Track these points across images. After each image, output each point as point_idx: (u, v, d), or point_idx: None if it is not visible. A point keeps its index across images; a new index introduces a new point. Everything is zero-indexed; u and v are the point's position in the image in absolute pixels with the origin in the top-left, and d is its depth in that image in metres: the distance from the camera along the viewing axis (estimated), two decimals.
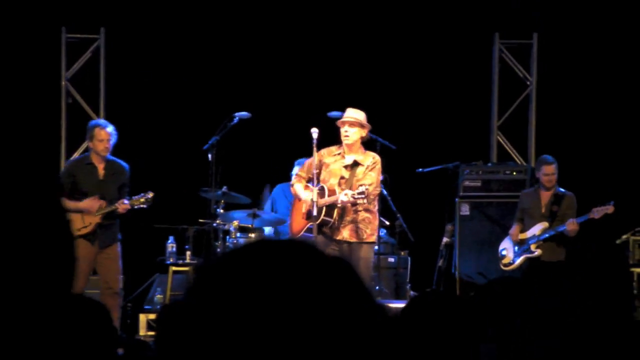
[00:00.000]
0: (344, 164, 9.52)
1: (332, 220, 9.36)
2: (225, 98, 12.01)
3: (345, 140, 9.50)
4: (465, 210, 11.88)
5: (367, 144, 9.81)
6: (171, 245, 11.18)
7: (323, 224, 9.42)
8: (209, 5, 12.75)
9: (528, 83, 13.27)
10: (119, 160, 10.28)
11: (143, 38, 12.81)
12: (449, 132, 12.99)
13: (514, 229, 10.85)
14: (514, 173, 11.84)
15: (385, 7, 12.82)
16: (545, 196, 10.80)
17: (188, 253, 11.14)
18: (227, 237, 10.71)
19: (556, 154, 12.20)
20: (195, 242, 11.25)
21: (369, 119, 10.72)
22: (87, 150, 10.41)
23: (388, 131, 10.95)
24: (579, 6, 12.78)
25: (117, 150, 12.66)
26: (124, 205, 9.95)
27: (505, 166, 12.09)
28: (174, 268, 11.02)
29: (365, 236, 9.44)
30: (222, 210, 10.83)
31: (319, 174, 9.55)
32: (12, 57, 12.44)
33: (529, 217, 10.83)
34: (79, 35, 12.89)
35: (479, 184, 11.95)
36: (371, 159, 9.59)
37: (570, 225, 10.39)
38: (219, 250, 10.56)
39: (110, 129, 10.08)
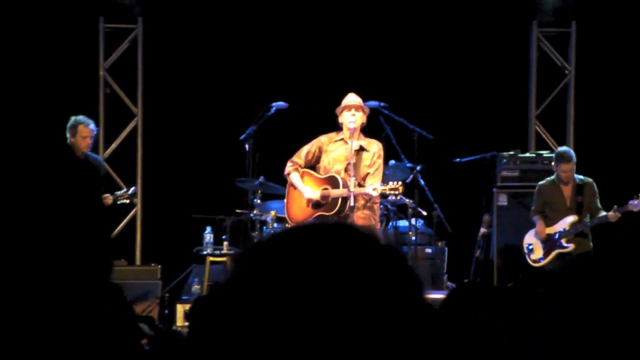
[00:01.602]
0: (350, 149, 9.48)
1: (346, 209, 9.39)
2: (263, 88, 12.02)
3: (351, 125, 9.48)
4: (502, 200, 11.81)
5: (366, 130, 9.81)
6: (209, 236, 11.19)
7: (337, 213, 9.45)
8: None
9: (566, 72, 13.18)
10: (94, 155, 10.47)
11: (180, 27, 12.85)
12: (487, 121, 12.94)
13: (540, 225, 10.71)
14: (552, 163, 11.73)
15: None
16: (567, 188, 10.70)
17: (225, 243, 11.16)
18: (264, 227, 10.71)
19: (594, 143, 12.15)
20: (233, 233, 11.27)
21: (407, 109, 10.77)
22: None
23: (425, 121, 10.93)
24: None
25: (155, 140, 12.77)
26: (108, 199, 10.10)
27: (543, 156, 11.99)
28: (211, 258, 11.05)
29: (374, 222, 9.51)
30: (259, 201, 10.83)
31: (356, 163, 9.53)
32: (51, 47, 12.52)
33: (553, 211, 10.71)
34: (116, 25, 12.95)
35: (516, 174, 11.87)
36: (376, 145, 9.64)
37: (613, 217, 10.29)
38: (255, 239, 10.57)
39: (92, 125, 10.31)
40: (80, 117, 10.41)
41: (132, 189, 10.53)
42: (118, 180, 12.44)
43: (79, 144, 10.15)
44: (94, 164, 10.38)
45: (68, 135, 10.28)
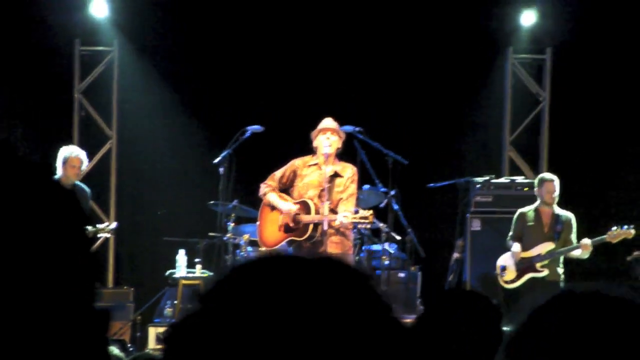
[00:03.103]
0: (324, 175, 9.49)
1: (317, 235, 9.39)
2: (238, 111, 12.03)
3: (326, 150, 9.49)
4: (476, 225, 11.82)
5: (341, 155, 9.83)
6: (182, 259, 11.17)
7: (308, 238, 9.44)
8: (220, 19, 12.79)
9: (541, 99, 13.24)
10: (81, 184, 10.51)
11: (155, 50, 12.88)
12: (461, 147, 13.00)
13: (517, 247, 10.77)
14: (526, 189, 11.76)
15: (398, 22, 12.82)
16: (547, 216, 10.75)
17: (198, 266, 11.12)
18: (237, 250, 10.68)
19: (568, 170, 12.18)
20: (206, 256, 11.25)
21: (382, 133, 10.79)
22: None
23: (400, 146, 10.94)
24: (593, 21, 12.74)
25: (129, 163, 12.74)
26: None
27: (518, 182, 12.01)
28: (184, 281, 11.00)
29: (347, 247, 9.51)
30: (232, 224, 10.80)
31: (330, 188, 9.54)
32: (26, 69, 12.50)
33: (531, 237, 10.75)
34: (92, 48, 12.96)
35: (490, 199, 11.89)
36: (350, 170, 9.63)
37: (585, 248, 10.38)
38: (226, 264, 10.52)
39: (82, 155, 10.41)
40: (71, 147, 10.53)
41: (114, 224, 10.55)
42: (91, 203, 12.41)
43: (68, 172, 10.22)
44: (80, 194, 10.39)
45: (60, 164, 10.30)
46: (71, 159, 10.32)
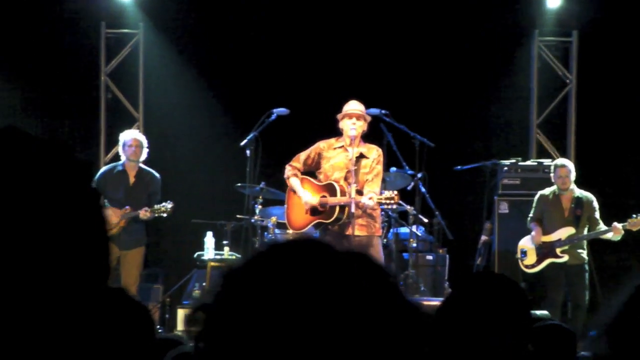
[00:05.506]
0: (349, 157, 9.49)
1: (344, 217, 9.39)
2: (264, 94, 12.01)
3: (352, 133, 9.50)
4: (504, 208, 11.82)
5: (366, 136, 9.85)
6: (210, 241, 11.20)
7: (335, 221, 9.45)
8: (245, 1, 12.79)
9: (568, 81, 13.20)
10: (151, 170, 10.66)
11: (181, 33, 12.90)
12: (488, 129, 12.97)
13: (537, 231, 10.77)
14: (552, 174, 11.74)
15: (425, 4, 12.79)
16: (566, 200, 10.73)
17: (226, 249, 11.16)
18: (265, 233, 10.71)
19: (595, 153, 12.14)
20: (234, 238, 11.27)
21: (408, 116, 10.77)
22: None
23: (426, 128, 10.93)
24: (618, 4, 12.69)
25: (156, 145, 12.76)
26: (144, 212, 10.30)
27: (545, 165, 11.99)
28: (212, 263, 11.04)
29: (374, 230, 9.50)
30: (260, 206, 10.83)
31: (356, 170, 9.53)
32: (53, 52, 12.54)
33: (551, 221, 10.75)
34: (118, 31, 12.98)
35: (517, 182, 11.89)
36: (375, 152, 9.65)
37: (617, 231, 10.37)
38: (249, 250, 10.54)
39: (139, 136, 10.80)
40: (128, 132, 10.98)
41: (170, 203, 10.67)
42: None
43: (126, 152, 10.68)
44: (147, 178, 10.80)
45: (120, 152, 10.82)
46: (127, 140, 10.65)
